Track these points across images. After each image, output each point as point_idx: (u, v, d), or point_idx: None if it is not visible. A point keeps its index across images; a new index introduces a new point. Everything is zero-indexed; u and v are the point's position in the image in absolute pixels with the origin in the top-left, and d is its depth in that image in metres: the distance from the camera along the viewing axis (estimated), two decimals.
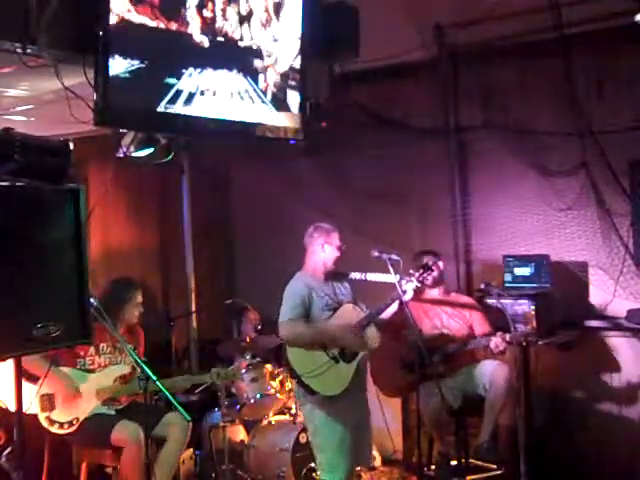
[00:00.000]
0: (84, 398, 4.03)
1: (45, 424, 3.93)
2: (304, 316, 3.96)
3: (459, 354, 4.55)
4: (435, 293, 4.75)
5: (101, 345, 4.21)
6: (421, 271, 4.06)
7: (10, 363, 2.81)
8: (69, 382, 4.01)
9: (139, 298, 4.42)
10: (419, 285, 4.05)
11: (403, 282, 3.97)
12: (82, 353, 4.15)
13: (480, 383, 4.45)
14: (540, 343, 4.46)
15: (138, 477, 3.83)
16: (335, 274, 4.16)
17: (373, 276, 3.90)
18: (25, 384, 3.03)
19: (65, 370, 4.04)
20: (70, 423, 3.97)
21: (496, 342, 4.32)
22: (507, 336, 4.27)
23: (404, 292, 3.95)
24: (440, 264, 4.69)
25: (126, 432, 3.94)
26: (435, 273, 4.53)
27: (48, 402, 3.92)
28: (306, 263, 4.16)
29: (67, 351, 3.94)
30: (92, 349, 4.17)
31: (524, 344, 4.37)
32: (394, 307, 4.03)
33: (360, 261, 4.12)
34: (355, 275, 4.09)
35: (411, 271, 4.05)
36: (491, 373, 4.38)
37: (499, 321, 4.42)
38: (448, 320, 4.66)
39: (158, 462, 4.00)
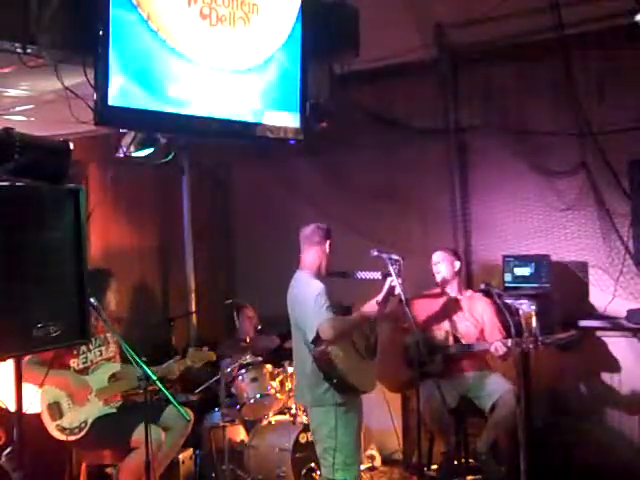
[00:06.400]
0: (89, 401, 3.98)
1: (57, 434, 3.87)
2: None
3: (462, 356, 4.54)
4: (448, 291, 4.69)
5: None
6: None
7: (10, 363, 2.81)
8: (72, 386, 3.94)
9: (115, 286, 4.34)
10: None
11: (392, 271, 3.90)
12: (75, 352, 4.02)
13: (486, 398, 4.42)
14: (540, 344, 4.44)
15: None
16: (330, 274, 4.11)
17: (363, 274, 3.88)
18: (25, 385, 3.03)
19: (66, 374, 3.96)
20: (79, 428, 3.92)
21: (496, 346, 4.31)
22: (508, 341, 4.25)
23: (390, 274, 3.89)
24: (457, 264, 4.65)
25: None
26: (446, 274, 4.59)
27: (57, 410, 3.88)
28: (310, 262, 4.01)
29: (61, 354, 3.85)
30: (83, 346, 4.02)
31: (524, 350, 4.32)
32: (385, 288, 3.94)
33: (360, 261, 4.10)
34: (361, 275, 4.04)
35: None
36: (501, 396, 4.34)
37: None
38: (458, 322, 4.62)
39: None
